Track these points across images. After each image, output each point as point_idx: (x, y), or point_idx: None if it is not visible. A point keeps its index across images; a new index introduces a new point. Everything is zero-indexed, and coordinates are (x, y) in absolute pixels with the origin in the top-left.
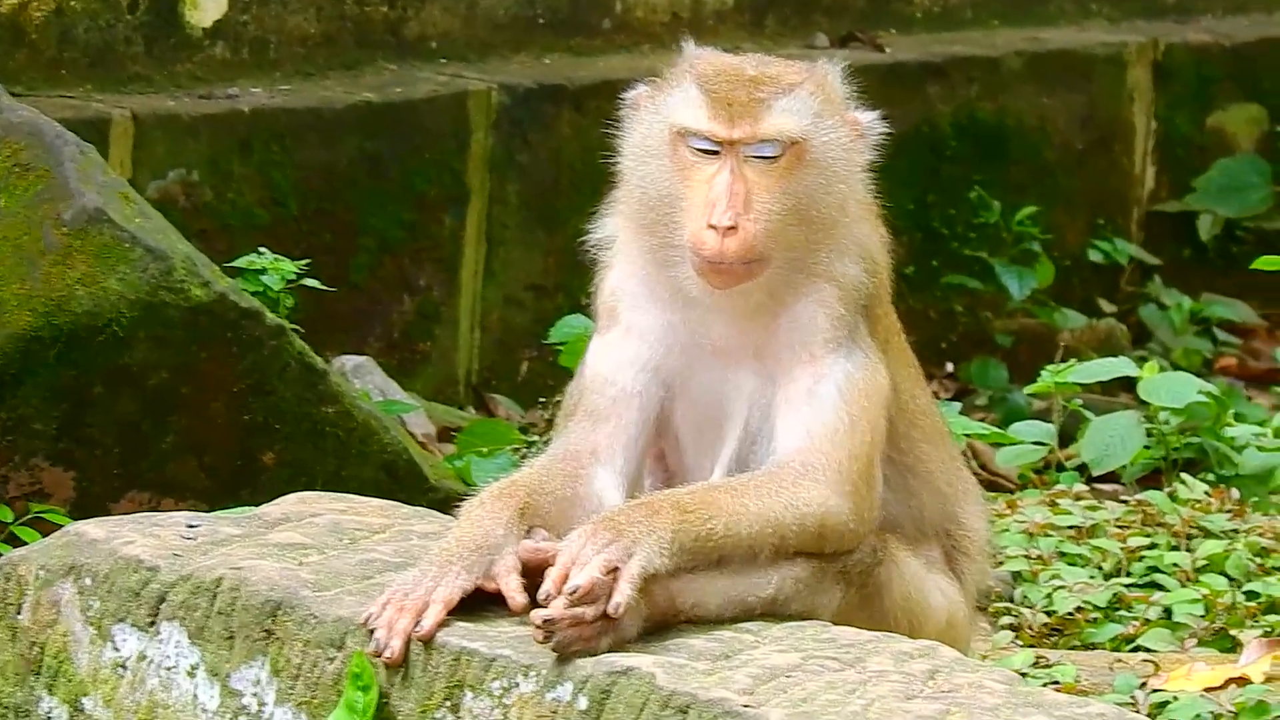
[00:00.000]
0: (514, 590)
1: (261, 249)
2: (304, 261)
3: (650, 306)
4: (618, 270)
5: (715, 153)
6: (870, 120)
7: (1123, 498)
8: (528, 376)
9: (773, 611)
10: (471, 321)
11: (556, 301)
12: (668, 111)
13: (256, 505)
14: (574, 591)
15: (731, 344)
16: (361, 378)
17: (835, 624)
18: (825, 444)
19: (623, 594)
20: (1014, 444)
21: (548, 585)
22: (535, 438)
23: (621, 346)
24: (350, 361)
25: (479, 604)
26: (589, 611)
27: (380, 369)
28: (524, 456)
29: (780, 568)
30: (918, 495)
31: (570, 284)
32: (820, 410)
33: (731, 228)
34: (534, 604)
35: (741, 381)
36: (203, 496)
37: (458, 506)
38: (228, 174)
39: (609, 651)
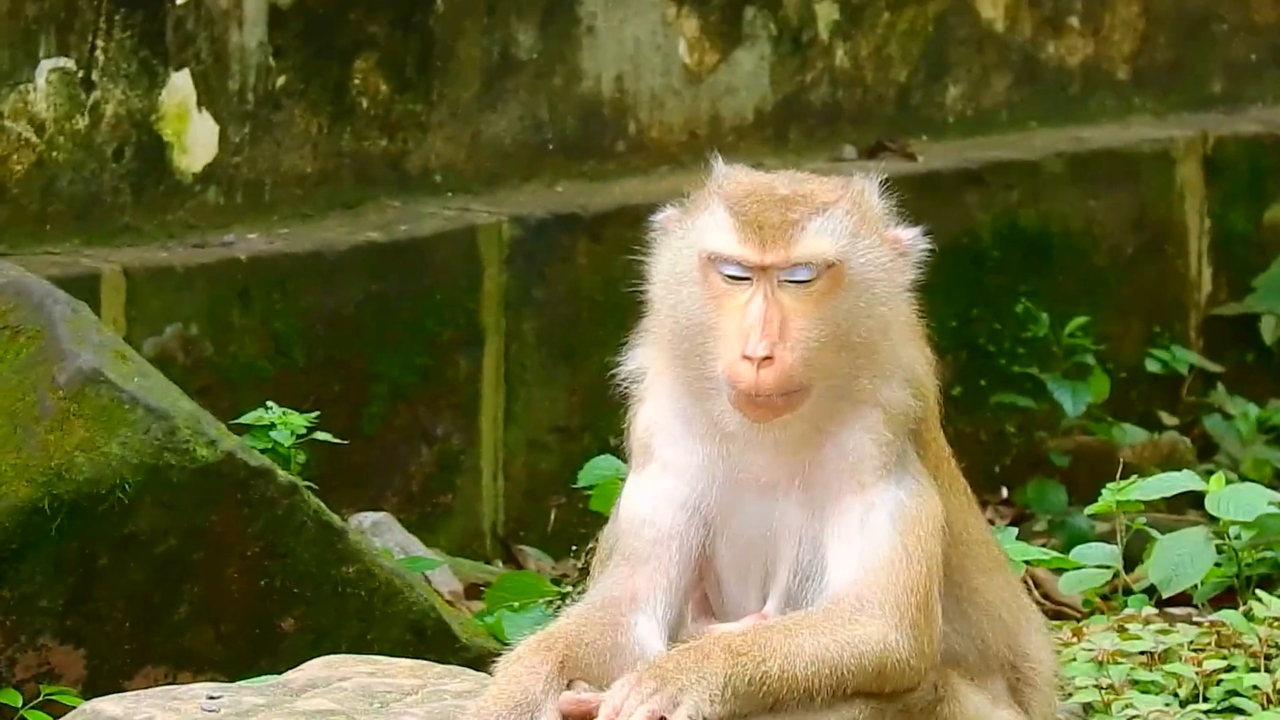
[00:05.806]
0: None
1: (268, 403)
2: (314, 414)
3: (687, 441)
4: (651, 404)
5: (747, 279)
6: (912, 237)
7: (1195, 619)
8: (557, 525)
9: None
10: (494, 469)
11: (583, 443)
12: (697, 236)
13: (278, 674)
14: None
15: (776, 477)
16: (381, 535)
17: None
18: (881, 577)
19: None
20: (1076, 568)
21: None
22: (569, 589)
23: (658, 484)
24: (368, 519)
25: None
26: None
27: (400, 525)
28: (558, 609)
29: (838, 709)
30: (979, 626)
31: (597, 424)
32: (873, 542)
33: (767, 358)
34: None
35: (787, 515)
36: (220, 668)
37: (493, 663)
38: (228, 326)
39: None
